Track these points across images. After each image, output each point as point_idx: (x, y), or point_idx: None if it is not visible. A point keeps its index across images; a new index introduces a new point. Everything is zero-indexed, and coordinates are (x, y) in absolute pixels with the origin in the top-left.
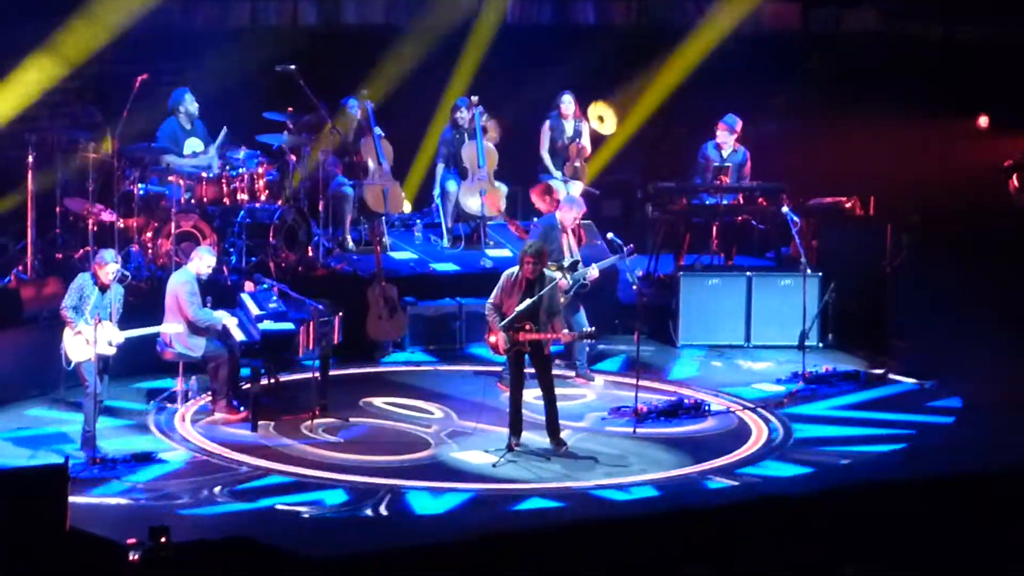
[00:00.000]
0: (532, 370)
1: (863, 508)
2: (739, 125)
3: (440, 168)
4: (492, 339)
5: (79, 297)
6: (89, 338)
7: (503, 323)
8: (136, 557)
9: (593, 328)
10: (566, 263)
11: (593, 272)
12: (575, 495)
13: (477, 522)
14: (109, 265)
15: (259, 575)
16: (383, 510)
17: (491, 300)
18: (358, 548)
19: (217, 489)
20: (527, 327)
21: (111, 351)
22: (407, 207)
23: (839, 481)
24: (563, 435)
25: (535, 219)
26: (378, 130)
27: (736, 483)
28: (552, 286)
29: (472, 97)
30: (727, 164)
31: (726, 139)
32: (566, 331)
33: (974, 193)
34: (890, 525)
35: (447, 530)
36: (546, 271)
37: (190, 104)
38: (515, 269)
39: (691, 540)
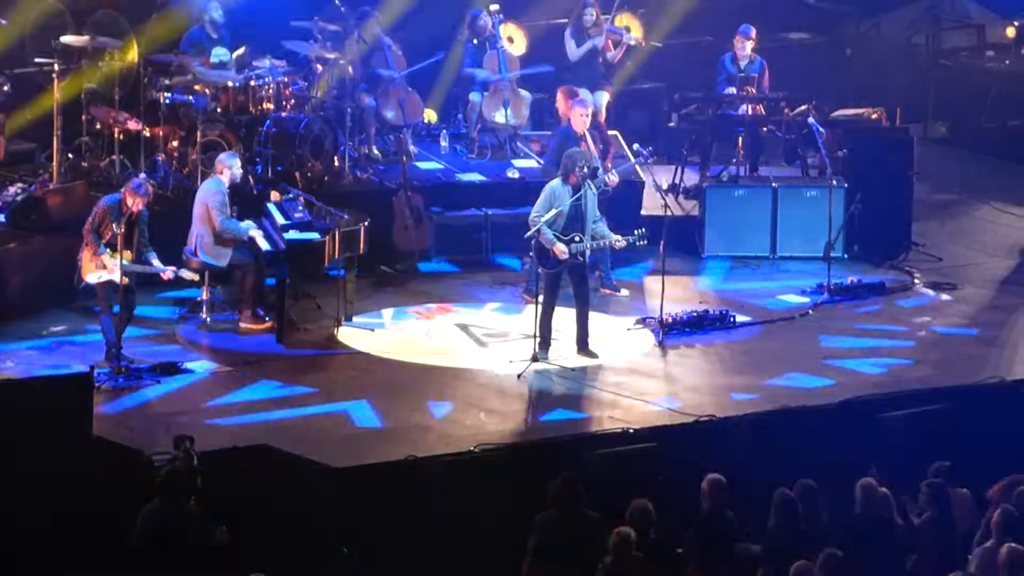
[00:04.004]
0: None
1: (883, 416)
2: (753, 33)
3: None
4: (560, 249)
5: (100, 223)
6: (109, 266)
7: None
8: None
9: (644, 229)
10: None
11: (613, 178)
12: None
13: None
14: (141, 195)
15: (279, 482)
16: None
17: (536, 214)
18: (377, 457)
19: None
20: (576, 239)
21: (125, 280)
22: (431, 116)
23: (861, 391)
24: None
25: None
26: (387, 40)
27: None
28: (594, 197)
29: (491, 6)
30: (751, 75)
31: (743, 49)
32: (618, 236)
33: (1002, 104)
34: (911, 432)
35: None
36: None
37: (215, 12)
38: (557, 182)
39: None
